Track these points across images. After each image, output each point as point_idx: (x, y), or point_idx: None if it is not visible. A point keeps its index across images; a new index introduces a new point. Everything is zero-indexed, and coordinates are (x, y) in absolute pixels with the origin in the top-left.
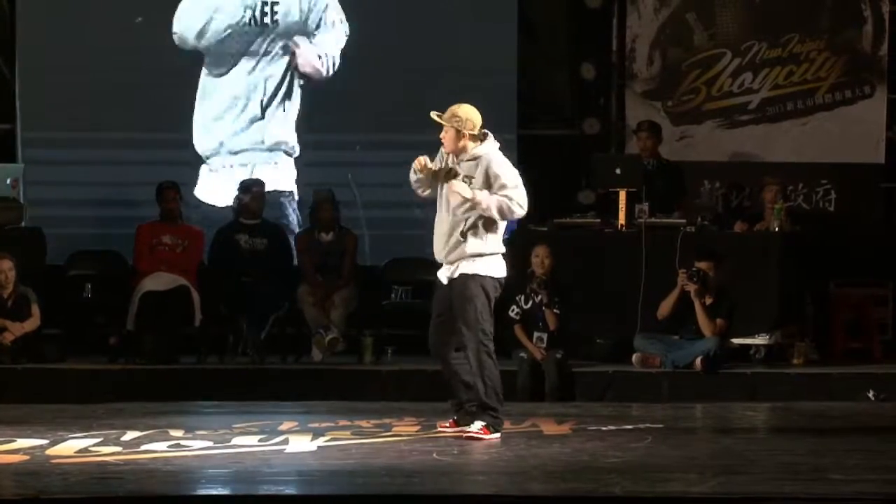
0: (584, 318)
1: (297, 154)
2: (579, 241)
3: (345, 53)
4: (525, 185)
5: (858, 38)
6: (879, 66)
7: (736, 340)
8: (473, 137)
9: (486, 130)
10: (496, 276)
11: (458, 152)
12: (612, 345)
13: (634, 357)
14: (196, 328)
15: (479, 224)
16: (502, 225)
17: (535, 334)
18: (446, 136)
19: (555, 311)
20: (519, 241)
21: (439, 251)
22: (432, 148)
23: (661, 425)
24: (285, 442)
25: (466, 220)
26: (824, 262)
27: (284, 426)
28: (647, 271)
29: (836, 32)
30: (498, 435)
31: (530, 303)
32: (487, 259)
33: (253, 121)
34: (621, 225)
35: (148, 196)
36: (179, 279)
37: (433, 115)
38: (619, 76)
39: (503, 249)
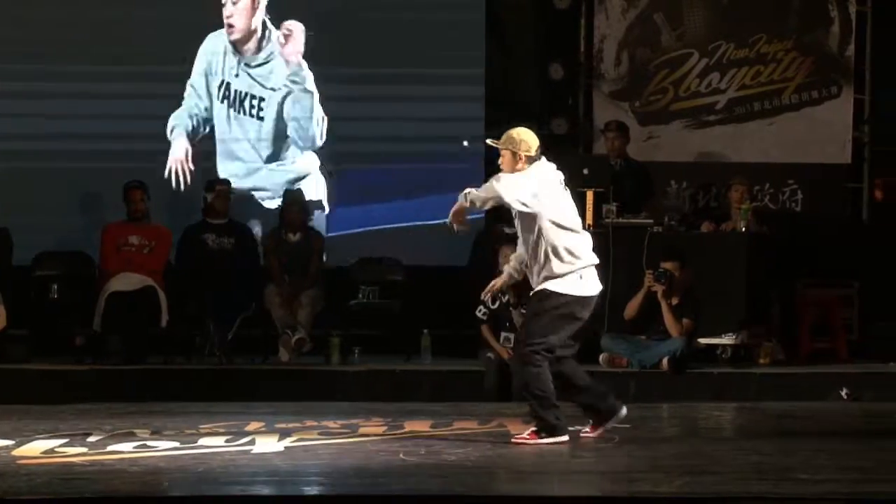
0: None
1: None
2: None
3: (308, 60)
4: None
5: (825, 38)
6: (846, 67)
7: (702, 340)
8: (530, 159)
9: (541, 153)
10: (575, 293)
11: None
12: (580, 345)
13: (601, 357)
14: (163, 328)
15: (554, 246)
16: (580, 240)
17: (503, 334)
18: (503, 160)
19: (522, 311)
20: (486, 242)
21: (530, 276)
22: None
23: (627, 425)
24: (252, 443)
25: (539, 244)
26: (791, 262)
27: (251, 427)
28: (614, 271)
29: (804, 33)
30: (551, 439)
31: (497, 303)
32: (567, 278)
33: None
34: (588, 225)
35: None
36: (146, 279)
37: (489, 141)
38: (586, 76)
39: (586, 264)
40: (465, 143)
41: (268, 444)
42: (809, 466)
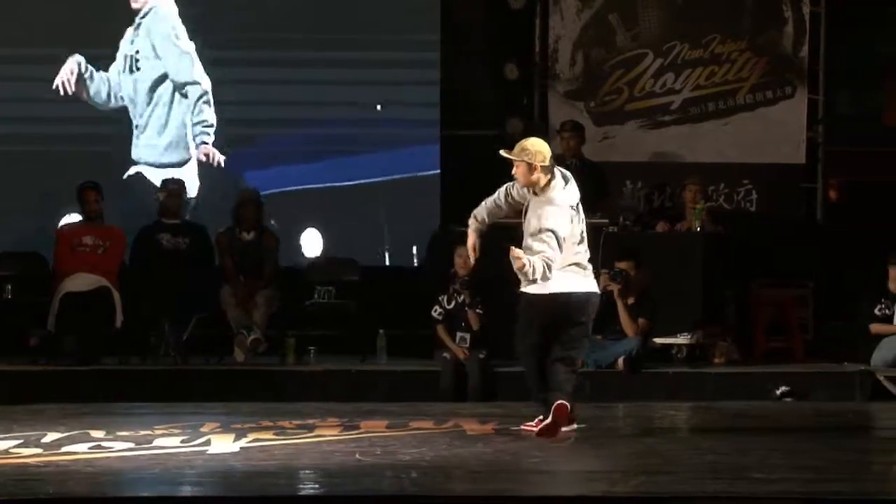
0: (506, 318)
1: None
2: (502, 241)
3: (257, 58)
4: (448, 185)
5: (779, 38)
6: (800, 67)
7: (658, 340)
8: (545, 169)
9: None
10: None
11: (532, 185)
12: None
13: None
14: (117, 329)
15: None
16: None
17: (458, 334)
18: (518, 170)
19: (477, 311)
20: (442, 241)
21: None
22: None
23: (583, 425)
24: (207, 443)
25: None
26: (746, 262)
27: (206, 427)
28: None
29: (758, 33)
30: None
31: (453, 303)
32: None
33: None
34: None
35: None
36: (101, 280)
37: (502, 152)
38: (541, 76)
39: (574, 261)
40: (378, 107)
41: (223, 445)
42: (764, 466)
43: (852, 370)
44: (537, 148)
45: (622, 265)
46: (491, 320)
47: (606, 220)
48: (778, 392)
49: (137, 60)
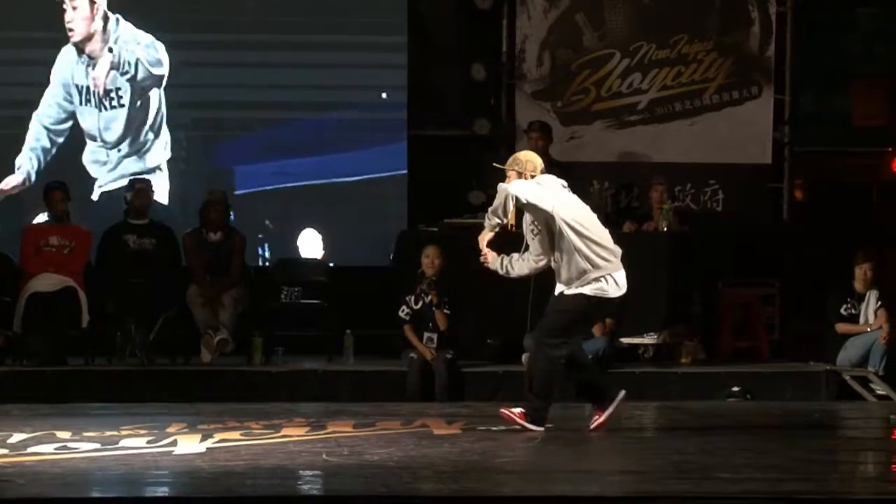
0: (474, 318)
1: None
2: (470, 241)
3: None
4: (416, 185)
5: (746, 39)
6: (766, 67)
7: (625, 340)
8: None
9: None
10: (589, 293)
11: None
12: (502, 345)
13: (524, 357)
14: (84, 329)
15: (577, 248)
16: (601, 242)
17: (425, 334)
18: (509, 181)
19: (445, 311)
20: (409, 242)
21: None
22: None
23: (550, 425)
24: (174, 443)
25: (562, 247)
26: (712, 261)
27: (173, 428)
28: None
29: (724, 33)
30: (536, 428)
31: (420, 303)
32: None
33: None
34: (511, 225)
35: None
36: (67, 280)
37: (495, 164)
38: (509, 77)
39: (602, 270)
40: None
41: (190, 445)
42: (730, 466)
43: (818, 370)
44: (528, 158)
45: None
46: (458, 320)
47: None
48: (729, 392)
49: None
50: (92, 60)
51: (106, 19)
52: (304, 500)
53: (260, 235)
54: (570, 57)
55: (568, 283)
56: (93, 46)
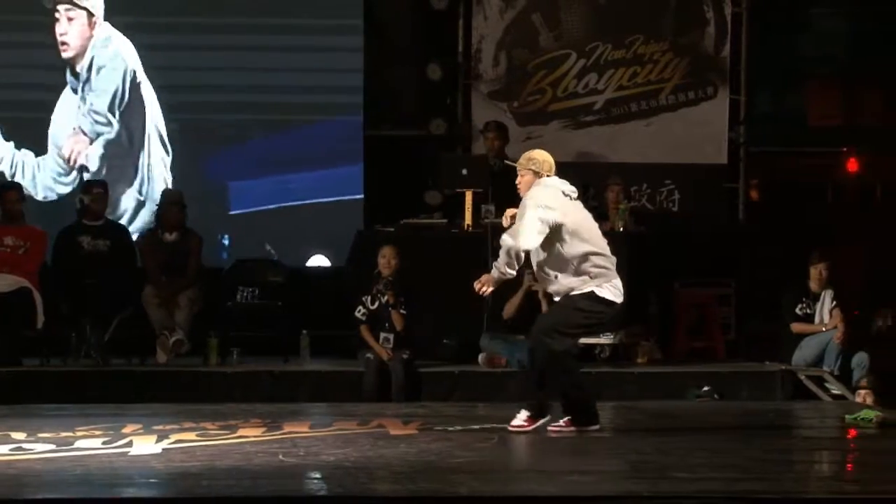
0: (430, 318)
1: None
2: (426, 241)
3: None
4: (372, 185)
5: (701, 39)
6: (722, 68)
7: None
8: (536, 175)
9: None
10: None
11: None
12: (459, 345)
13: (480, 357)
14: (38, 330)
15: (562, 263)
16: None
17: (382, 335)
18: (523, 180)
19: (401, 311)
20: (366, 242)
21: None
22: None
23: (507, 425)
24: (129, 444)
25: (548, 262)
26: (668, 262)
27: (128, 428)
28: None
29: (680, 34)
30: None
31: (377, 303)
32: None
33: None
34: (468, 225)
35: None
36: (22, 281)
37: (507, 162)
38: (465, 77)
39: (605, 277)
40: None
41: (145, 446)
42: (686, 465)
43: (774, 369)
44: (544, 158)
45: None
46: (414, 321)
47: None
48: (699, 392)
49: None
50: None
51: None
52: (260, 501)
53: (222, 235)
54: (526, 57)
55: (567, 291)
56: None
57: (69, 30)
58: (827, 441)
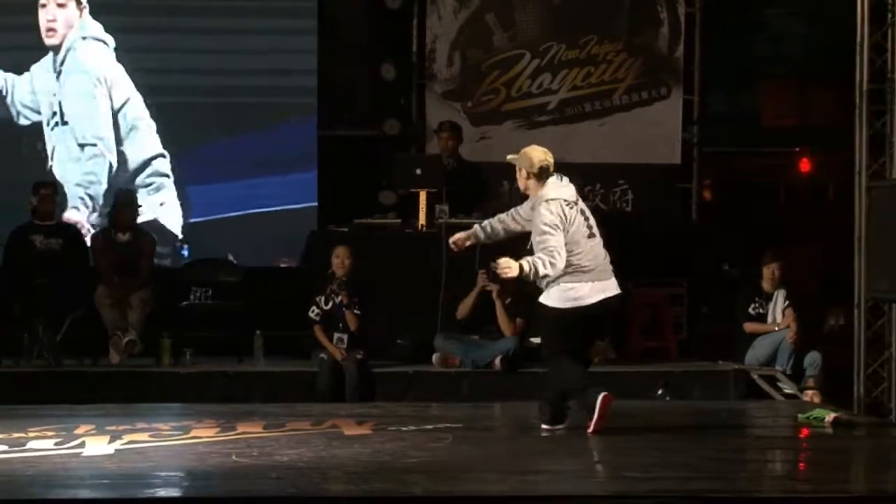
0: (384, 318)
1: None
2: (380, 241)
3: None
4: (326, 185)
5: (655, 39)
6: (675, 68)
7: (535, 340)
8: (535, 175)
9: (553, 171)
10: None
11: (526, 190)
12: (413, 345)
13: (434, 357)
14: None
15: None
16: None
17: (336, 335)
18: (523, 182)
19: (355, 311)
20: (319, 242)
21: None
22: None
23: (460, 425)
24: (82, 445)
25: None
26: (621, 261)
27: (81, 429)
28: (447, 272)
29: (634, 34)
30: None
31: (330, 304)
32: (554, 289)
33: None
34: (421, 225)
35: None
36: None
37: (508, 157)
38: (419, 76)
39: (578, 279)
40: None
41: (98, 447)
42: (639, 465)
43: (727, 369)
44: (527, 153)
45: None
46: (368, 321)
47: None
48: (659, 391)
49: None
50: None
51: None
52: (213, 502)
53: (180, 238)
54: (480, 57)
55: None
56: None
57: (58, 16)
58: (780, 440)
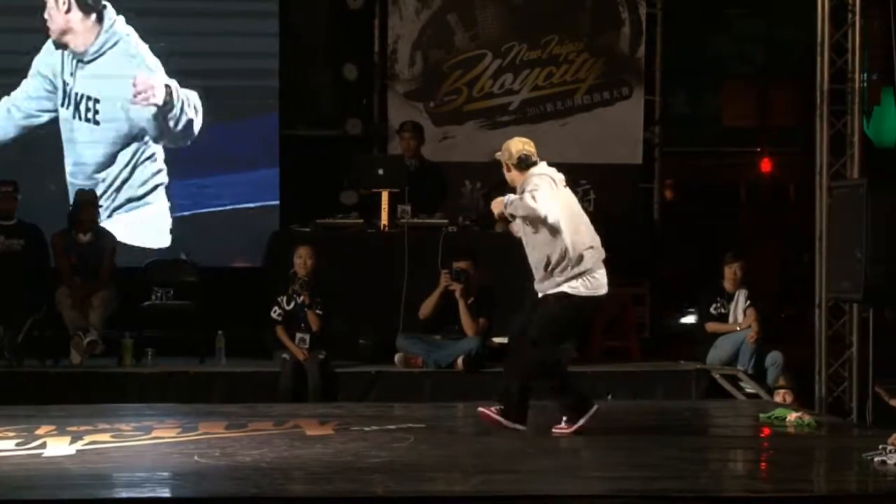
0: (346, 318)
1: None
2: (342, 241)
3: None
4: (288, 185)
5: (616, 40)
6: (637, 68)
7: (497, 340)
8: (516, 166)
9: (535, 160)
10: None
11: (512, 183)
12: (375, 345)
13: (397, 357)
14: None
15: (559, 258)
16: (583, 248)
17: (298, 335)
18: (509, 175)
19: (317, 311)
20: (281, 242)
21: (536, 283)
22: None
23: (423, 425)
24: (43, 446)
25: (548, 256)
26: None
27: (42, 430)
28: (409, 272)
29: (595, 34)
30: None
31: (292, 304)
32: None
33: None
34: (384, 225)
35: None
36: None
37: (497, 155)
38: (381, 77)
39: (590, 267)
40: None
41: (59, 448)
42: (603, 464)
43: (689, 368)
44: (507, 145)
45: (461, 265)
46: (330, 321)
47: (446, 221)
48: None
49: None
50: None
51: None
52: (175, 502)
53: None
54: (441, 57)
55: (544, 291)
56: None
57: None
58: (741, 440)
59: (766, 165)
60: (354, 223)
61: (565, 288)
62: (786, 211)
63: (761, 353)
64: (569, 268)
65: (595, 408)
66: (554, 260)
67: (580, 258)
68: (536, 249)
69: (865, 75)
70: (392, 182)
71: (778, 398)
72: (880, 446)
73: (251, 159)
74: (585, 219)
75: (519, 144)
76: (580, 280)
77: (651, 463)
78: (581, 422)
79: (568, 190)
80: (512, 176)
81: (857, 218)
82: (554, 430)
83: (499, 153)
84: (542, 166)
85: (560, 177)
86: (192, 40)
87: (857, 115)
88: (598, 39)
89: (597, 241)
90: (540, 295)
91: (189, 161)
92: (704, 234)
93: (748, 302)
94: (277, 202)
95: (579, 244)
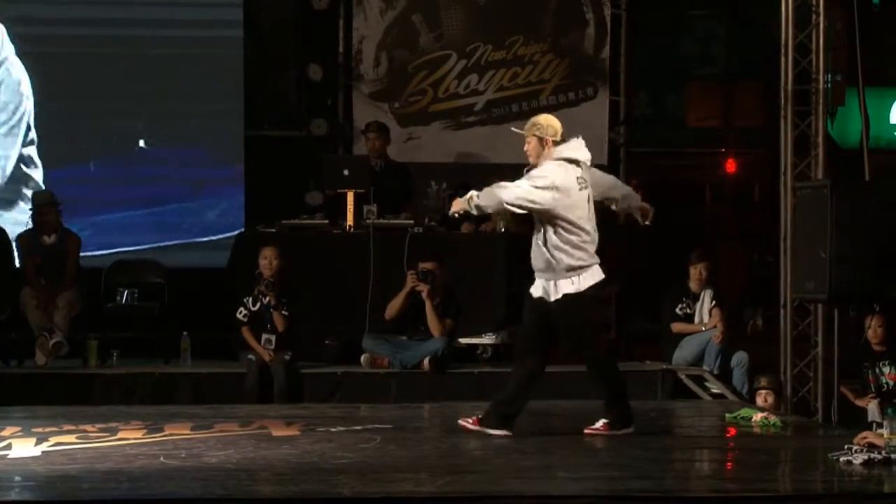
0: (312, 319)
1: None
2: (308, 242)
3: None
4: (253, 186)
5: (581, 40)
6: (601, 68)
7: (463, 340)
8: (556, 143)
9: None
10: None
11: (545, 160)
12: (341, 346)
13: (363, 358)
14: None
15: (560, 241)
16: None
17: (263, 336)
18: (529, 146)
19: (283, 312)
20: (247, 243)
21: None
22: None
23: (389, 426)
24: (8, 447)
25: (547, 240)
26: None
27: (7, 431)
28: (375, 272)
29: (560, 35)
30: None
31: (258, 304)
32: (581, 273)
33: None
34: (349, 226)
35: None
36: None
37: (514, 129)
38: (346, 77)
39: (596, 260)
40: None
41: (24, 449)
42: (569, 464)
43: (654, 368)
44: (550, 122)
45: (427, 265)
46: (296, 322)
47: (412, 221)
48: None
49: None
50: None
51: None
52: None
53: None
54: (406, 58)
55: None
56: None
57: None
58: (706, 440)
59: (730, 166)
60: (320, 224)
61: (569, 288)
62: (750, 211)
63: (727, 353)
64: (571, 261)
65: (632, 430)
66: (553, 256)
67: (579, 252)
68: (536, 246)
69: (829, 76)
70: (357, 182)
71: (759, 399)
72: (846, 446)
73: (217, 161)
74: (587, 212)
75: (556, 121)
76: (581, 274)
77: (617, 463)
78: (618, 432)
79: (577, 177)
80: (548, 151)
81: (821, 218)
82: (587, 430)
83: (528, 128)
84: (569, 149)
85: (585, 155)
86: (154, 38)
87: (821, 116)
88: (562, 40)
89: (595, 234)
90: (539, 295)
91: (154, 165)
92: (670, 235)
93: (713, 302)
94: (242, 203)
95: (576, 239)
